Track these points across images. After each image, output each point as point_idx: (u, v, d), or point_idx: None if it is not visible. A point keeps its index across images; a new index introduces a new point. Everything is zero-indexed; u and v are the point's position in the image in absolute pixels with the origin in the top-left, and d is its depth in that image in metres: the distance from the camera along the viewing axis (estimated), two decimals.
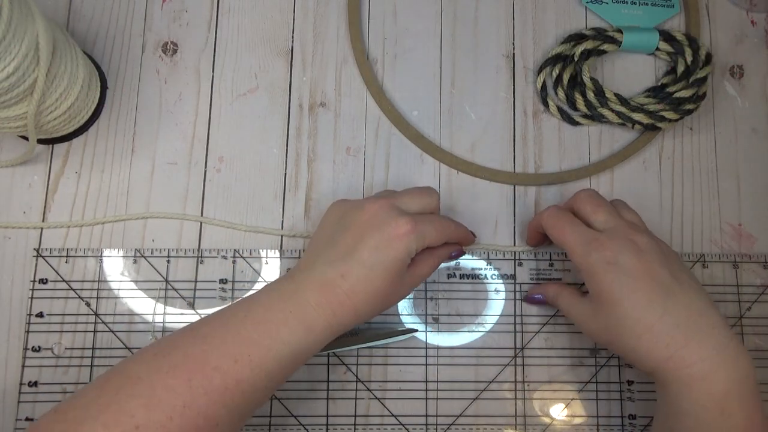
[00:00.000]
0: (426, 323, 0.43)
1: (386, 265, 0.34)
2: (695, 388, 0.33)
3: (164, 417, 0.29)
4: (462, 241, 0.41)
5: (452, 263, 0.44)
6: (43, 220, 0.42)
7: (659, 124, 0.45)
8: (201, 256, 0.43)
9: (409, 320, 0.43)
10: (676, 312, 0.34)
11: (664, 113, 0.44)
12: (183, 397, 0.30)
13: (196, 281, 0.42)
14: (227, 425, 0.32)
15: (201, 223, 0.43)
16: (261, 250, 0.43)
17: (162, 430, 0.29)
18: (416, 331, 0.42)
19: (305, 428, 0.41)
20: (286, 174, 0.44)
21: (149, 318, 0.42)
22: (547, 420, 0.42)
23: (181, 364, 0.31)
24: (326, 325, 0.34)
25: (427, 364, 0.42)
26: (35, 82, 0.35)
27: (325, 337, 0.34)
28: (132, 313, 0.42)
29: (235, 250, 0.43)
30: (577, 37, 0.46)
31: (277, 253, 0.43)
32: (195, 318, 0.42)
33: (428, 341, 0.43)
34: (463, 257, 0.44)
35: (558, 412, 0.42)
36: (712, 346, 0.33)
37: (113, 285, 0.42)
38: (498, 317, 0.43)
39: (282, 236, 0.43)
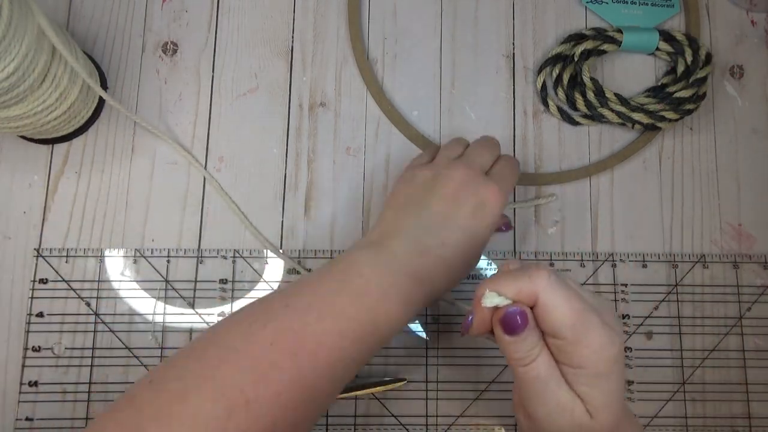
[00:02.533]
0: (426, 323, 0.43)
1: (483, 231, 0.35)
2: None
3: (273, 392, 0.28)
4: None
5: None
6: (43, 220, 0.42)
7: (659, 124, 0.44)
8: (201, 256, 0.43)
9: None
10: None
11: (664, 113, 0.44)
12: (290, 373, 0.28)
13: (196, 281, 0.42)
14: (332, 395, 0.31)
15: (201, 222, 0.43)
16: (261, 250, 0.43)
17: (272, 404, 0.28)
18: (405, 380, 0.40)
19: None
20: (286, 174, 0.44)
21: (149, 318, 0.42)
22: None
23: (281, 338, 0.29)
24: (424, 296, 0.33)
25: (427, 364, 0.42)
26: (34, 82, 0.35)
27: (422, 307, 0.33)
28: (132, 313, 0.42)
29: (235, 250, 0.43)
30: (577, 37, 0.46)
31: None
32: (195, 318, 0.42)
33: (428, 341, 0.43)
34: None
35: None
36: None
37: (113, 285, 0.42)
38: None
39: (281, 236, 0.43)
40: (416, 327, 0.43)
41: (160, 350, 0.41)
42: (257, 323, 0.30)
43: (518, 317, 0.28)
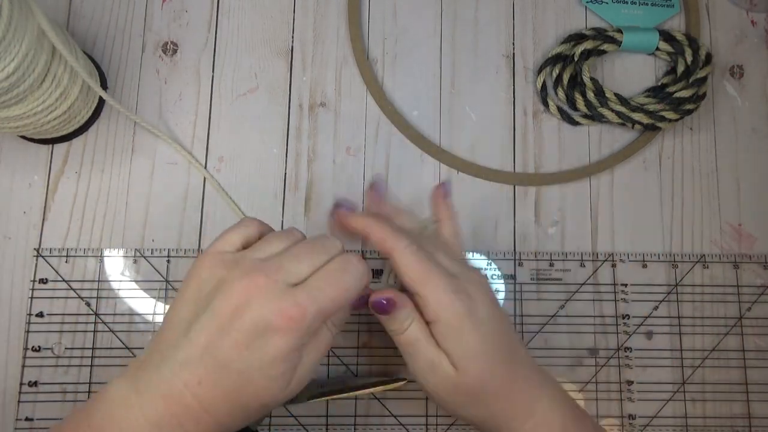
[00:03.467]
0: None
1: (263, 367, 0.27)
2: None
3: None
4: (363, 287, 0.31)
5: None
6: (43, 220, 0.42)
7: (659, 124, 0.45)
8: None
9: None
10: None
11: (664, 113, 0.44)
12: None
13: None
14: None
15: (201, 222, 0.43)
16: None
17: None
18: (405, 380, 0.39)
19: (305, 428, 0.41)
20: (286, 174, 0.44)
21: (149, 318, 0.42)
22: None
23: None
24: None
25: None
26: (34, 82, 0.35)
27: None
28: (132, 313, 0.42)
29: None
30: (577, 37, 0.46)
31: None
32: None
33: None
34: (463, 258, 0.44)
35: None
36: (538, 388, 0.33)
37: (113, 285, 0.42)
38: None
39: None
40: None
41: None
42: None
43: (384, 302, 0.32)
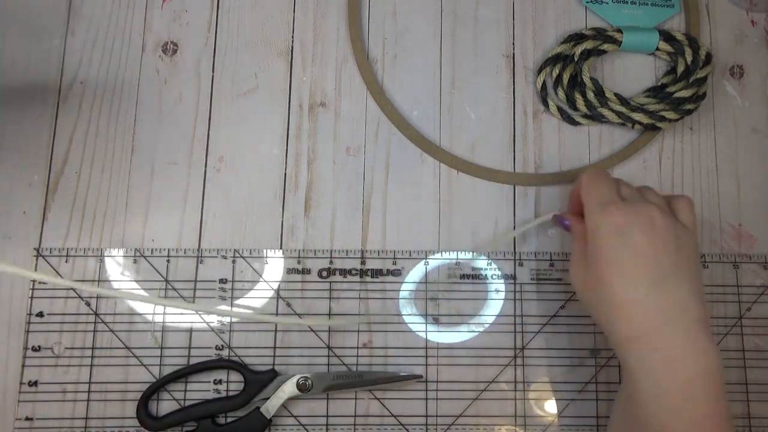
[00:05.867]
0: (426, 323, 0.43)
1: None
2: (659, 373, 0.33)
3: None
4: None
5: (453, 262, 0.44)
6: (43, 220, 0.42)
7: (659, 124, 0.45)
8: (201, 256, 0.43)
9: (409, 320, 0.43)
10: (660, 297, 0.34)
11: (664, 113, 0.44)
12: None
13: (196, 281, 0.42)
14: None
15: (201, 222, 0.43)
16: (261, 250, 0.43)
17: None
18: (420, 377, 0.42)
19: (305, 428, 0.41)
20: (286, 174, 0.44)
21: (149, 318, 0.42)
22: (547, 420, 0.42)
23: None
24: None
25: (427, 364, 0.42)
26: None
27: None
28: (132, 313, 0.42)
29: (235, 249, 0.43)
30: (577, 37, 0.46)
31: (278, 253, 0.43)
32: (195, 318, 0.42)
33: (428, 341, 0.43)
34: (463, 257, 0.44)
35: (558, 412, 0.42)
36: (683, 336, 0.33)
37: (113, 285, 0.42)
38: (498, 317, 0.43)
39: (281, 236, 0.43)
40: (416, 327, 0.43)
41: (159, 350, 0.41)
42: None
43: (565, 224, 0.41)
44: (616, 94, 0.45)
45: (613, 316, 0.35)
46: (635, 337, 0.34)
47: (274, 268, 0.43)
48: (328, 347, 0.42)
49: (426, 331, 0.43)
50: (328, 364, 0.42)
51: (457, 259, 0.44)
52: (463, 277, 0.43)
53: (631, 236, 0.35)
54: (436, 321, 0.43)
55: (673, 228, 0.36)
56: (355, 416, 0.41)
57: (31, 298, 0.41)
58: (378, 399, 0.42)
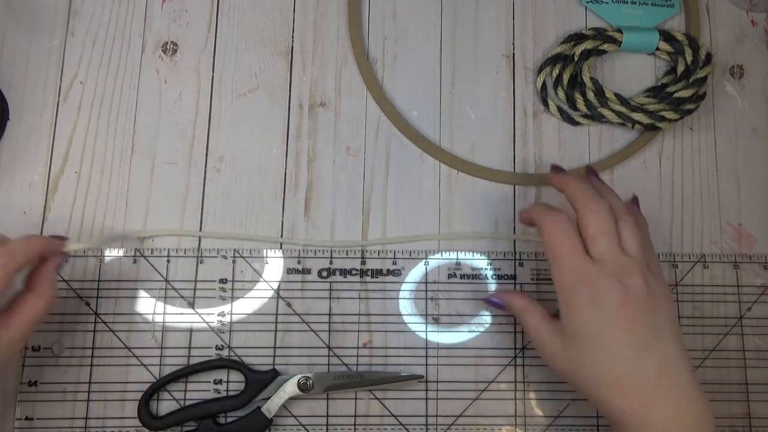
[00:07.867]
0: (426, 323, 0.43)
1: None
2: None
3: None
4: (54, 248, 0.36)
5: (453, 262, 0.44)
6: (43, 220, 0.42)
7: (659, 124, 0.45)
8: (201, 256, 0.43)
9: (409, 320, 0.43)
10: (647, 368, 0.33)
11: (664, 113, 0.44)
12: None
13: (196, 281, 0.42)
14: None
15: (201, 222, 0.43)
16: (261, 250, 0.43)
17: None
18: (422, 377, 0.41)
19: (305, 428, 0.41)
20: (286, 174, 0.44)
21: (149, 318, 0.42)
22: (547, 420, 0.42)
23: None
24: None
25: (427, 364, 0.42)
26: None
27: None
28: (132, 313, 0.42)
29: (235, 249, 0.43)
30: (577, 37, 0.46)
31: (278, 253, 0.43)
32: (195, 318, 0.42)
33: (428, 341, 0.43)
34: (464, 258, 0.44)
35: (558, 412, 0.42)
36: (675, 407, 0.33)
37: (113, 285, 0.42)
38: (498, 317, 0.43)
39: (281, 236, 0.43)
40: (416, 327, 0.43)
41: (159, 350, 0.41)
42: None
43: (495, 303, 0.41)
44: (616, 94, 0.45)
45: (604, 393, 0.34)
46: (628, 413, 0.33)
47: (274, 268, 0.43)
48: (329, 347, 0.42)
49: (426, 331, 0.43)
50: (328, 364, 0.42)
51: (457, 259, 0.44)
52: (462, 277, 0.43)
53: (607, 304, 0.33)
54: (436, 321, 0.43)
55: (647, 287, 0.34)
56: (355, 416, 0.41)
57: None
58: (378, 399, 0.42)
